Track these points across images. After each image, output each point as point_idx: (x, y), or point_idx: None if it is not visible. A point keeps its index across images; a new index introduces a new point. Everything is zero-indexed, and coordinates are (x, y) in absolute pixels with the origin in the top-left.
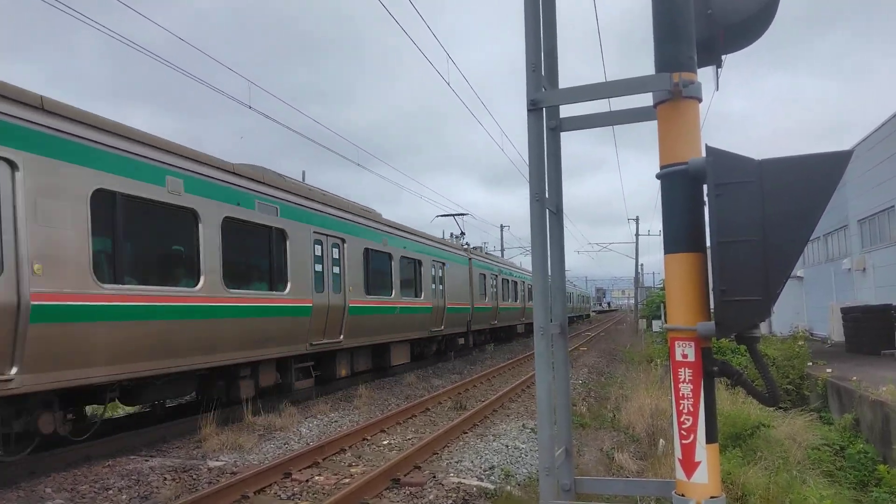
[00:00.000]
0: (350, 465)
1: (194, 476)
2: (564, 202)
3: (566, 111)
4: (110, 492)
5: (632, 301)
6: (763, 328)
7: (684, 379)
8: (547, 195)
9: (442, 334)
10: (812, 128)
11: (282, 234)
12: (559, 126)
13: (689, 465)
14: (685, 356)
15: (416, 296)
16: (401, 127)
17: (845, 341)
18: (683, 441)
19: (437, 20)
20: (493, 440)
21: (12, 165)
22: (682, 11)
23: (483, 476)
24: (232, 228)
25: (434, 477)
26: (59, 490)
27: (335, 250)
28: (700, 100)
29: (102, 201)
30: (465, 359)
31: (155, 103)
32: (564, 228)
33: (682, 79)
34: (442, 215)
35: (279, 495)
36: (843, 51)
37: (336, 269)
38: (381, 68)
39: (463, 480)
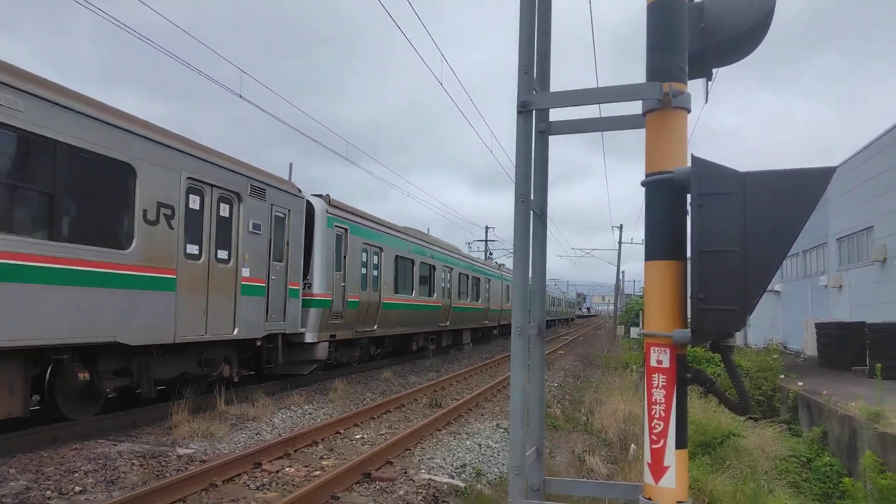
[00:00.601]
0: (322, 458)
1: (163, 462)
2: (550, 207)
3: (556, 115)
4: (76, 475)
5: (611, 307)
6: (738, 340)
7: (658, 384)
8: (532, 197)
9: (486, 326)
10: (802, 149)
11: (434, 267)
12: (548, 129)
13: (658, 470)
14: (660, 362)
15: (477, 300)
16: (392, 124)
17: (818, 356)
18: (653, 445)
19: (436, 20)
20: (467, 438)
21: (382, 249)
22: (677, 23)
23: (454, 474)
24: (422, 266)
25: (405, 473)
26: (24, 471)
27: (449, 274)
28: (689, 110)
29: (396, 259)
30: (444, 357)
31: (146, 87)
32: (548, 232)
33: (672, 89)
34: (476, 240)
35: (248, 485)
36: (835, 75)
37: (449, 285)
38: (375, 65)
39: (434, 477)
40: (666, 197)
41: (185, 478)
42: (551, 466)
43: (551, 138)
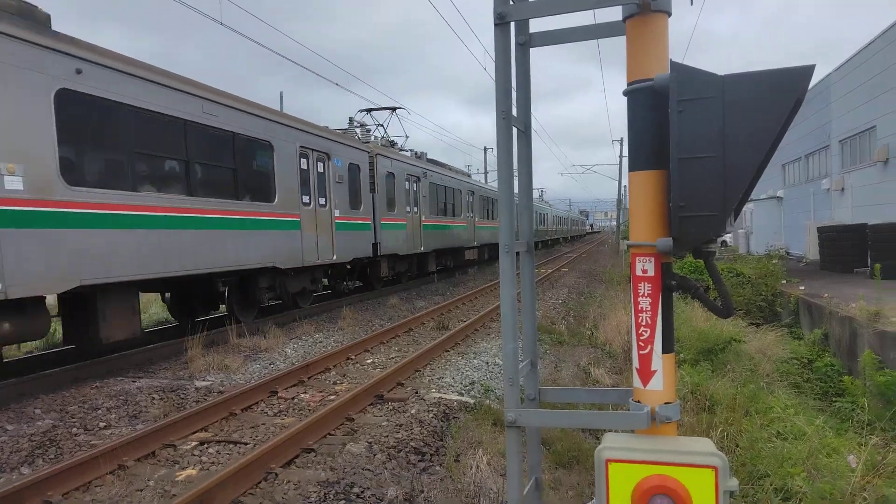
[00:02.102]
0: (335, 384)
1: (182, 395)
2: (548, 124)
3: (537, 27)
4: (99, 412)
5: (613, 223)
6: (741, 247)
7: (643, 293)
8: (515, 113)
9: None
10: (803, 48)
11: (545, 215)
12: (528, 41)
13: (646, 374)
14: (645, 271)
15: (543, 224)
16: (381, 47)
17: (820, 260)
18: (641, 352)
19: None
20: (474, 357)
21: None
22: None
23: (464, 391)
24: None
25: (416, 393)
26: (48, 411)
27: (548, 215)
28: (669, 13)
29: (538, 212)
30: (449, 280)
31: (127, 23)
32: (548, 150)
33: None
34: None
35: (266, 412)
36: None
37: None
38: None
39: (444, 395)
40: (647, 105)
41: (205, 408)
42: (558, 379)
43: (545, 53)
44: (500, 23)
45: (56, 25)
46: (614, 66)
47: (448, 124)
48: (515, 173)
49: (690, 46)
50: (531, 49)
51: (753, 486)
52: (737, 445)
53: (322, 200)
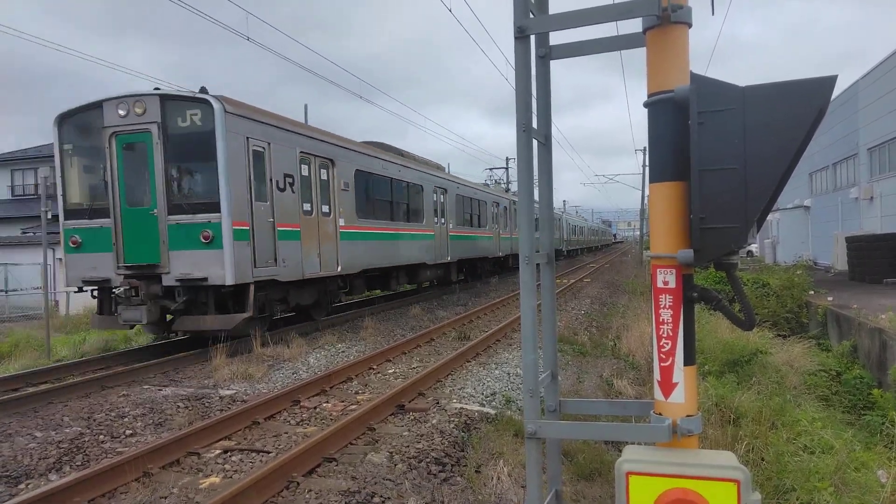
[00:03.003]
0: (357, 393)
1: (206, 404)
2: (570, 134)
3: (557, 39)
4: (126, 419)
5: (637, 233)
6: (768, 257)
7: (665, 305)
8: (536, 126)
9: (568, 249)
10: (828, 53)
11: (573, 228)
12: (549, 54)
13: (667, 386)
14: (666, 283)
15: (581, 234)
16: (402, 58)
17: (848, 270)
18: (662, 364)
19: None
20: (496, 368)
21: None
22: None
23: (485, 402)
24: (573, 228)
25: (437, 403)
26: (76, 418)
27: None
28: (690, 25)
29: (570, 225)
30: (471, 291)
31: (153, 36)
32: (570, 160)
33: (671, 3)
34: (495, 168)
35: (288, 421)
36: None
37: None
38: None
39: (465, 406)
40: (668, 117)
41: (229, 416)
42: (580, 391)
43: (567, 64)
44: (521, 36)
45: (87, 39)
46: (637, 75)
47: (470, 135)
48: (536, 184)
49: (714, 54)
50: (551, 61)
51: (779, 500)
52: (762, 459)
53: (496, 226)
